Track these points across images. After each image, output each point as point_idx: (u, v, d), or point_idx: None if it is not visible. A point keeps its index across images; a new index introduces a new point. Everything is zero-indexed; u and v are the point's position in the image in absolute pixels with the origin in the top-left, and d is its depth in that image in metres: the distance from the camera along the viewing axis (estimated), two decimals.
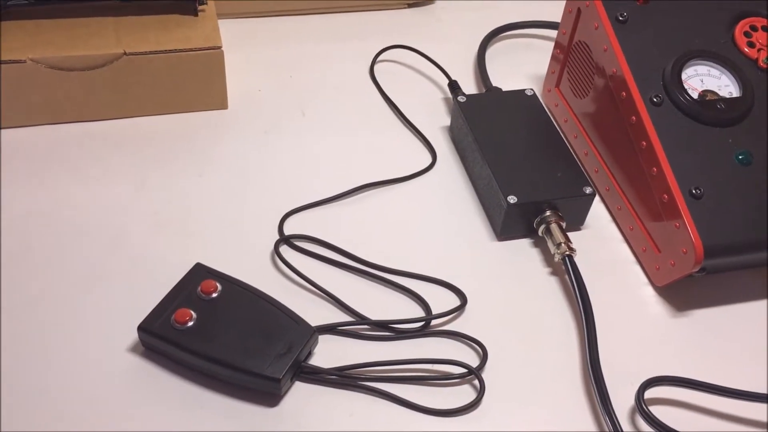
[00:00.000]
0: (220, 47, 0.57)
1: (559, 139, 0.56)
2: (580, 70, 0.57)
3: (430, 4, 0.74)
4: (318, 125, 0.60)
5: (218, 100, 0.60)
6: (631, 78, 0.51)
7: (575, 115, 0.59)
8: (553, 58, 0.61)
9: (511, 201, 0.50)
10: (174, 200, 0.53)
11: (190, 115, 0.60)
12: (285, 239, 0.51)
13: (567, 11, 0.58)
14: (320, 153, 0.58)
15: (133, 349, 0.44)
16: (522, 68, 0.68)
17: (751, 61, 0.54)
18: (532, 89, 0.59)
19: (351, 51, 0.68)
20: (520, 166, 0.53)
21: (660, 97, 0.51)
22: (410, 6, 0.74)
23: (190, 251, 0.50)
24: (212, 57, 0.58)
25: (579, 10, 0.57)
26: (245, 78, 0.64)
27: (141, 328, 0.43)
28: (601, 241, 0.54)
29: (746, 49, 0.54)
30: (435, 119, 0.62)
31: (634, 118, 0.51)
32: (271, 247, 0.51)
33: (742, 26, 0.55)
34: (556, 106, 0.62)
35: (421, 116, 0.62)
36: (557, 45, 0.60)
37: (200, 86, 0.59)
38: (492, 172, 0.52)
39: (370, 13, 0.72)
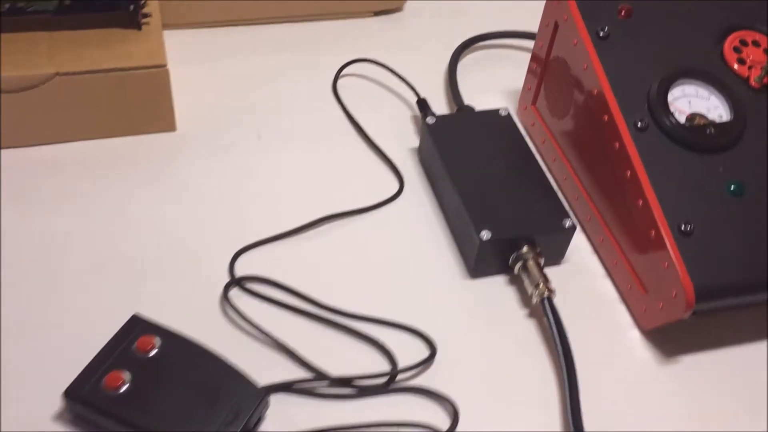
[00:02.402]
0: (165, 65, 0.52)
1: (536, 166, 0.51)
2: (559, 88, 0.53)
3: (397, 11, 0.70)
4: (275, 148, 0.55)
5: (165, 122, 0.55)
6: (613, 100, 0.47)
7: (553, 136, 0.55)
8: (530, 72, 0.57)
9: (485, 237, 0.46)
10: (114, 236, 0.48)
11: (135, 139, 0.55)
12: (236, 281, 0.46)
13: (544, 24, 0.54)
14: (277, 180, 0.53)
15: (59, 417, 0.39)
16: (496, 82, 0.63)
17: (742, 79, 0.50)
18: (506, 109, 0.55)
19: (312, 64, 0.63)
20: (494, 195, 0.49)
21: (645, 121, 0.46)
22: (377, 14, 0.69)
23: (130, 297, 0.45)
24: (157, 76, 0.52)
25: (556, 24, 0.52)
26: (196, 96, 0.58)
27: (67, 394, 0.38)
28: (582, 276, 0.49)
29: (736, 66, 0.50)
30: (403, 140, 0.57)
31: (617, 144, 0.46)
32: (221, 290, 0.46)
33: (731, 41, 0.51)
34: (533, 125, 0.58)
35: (388, 137, 0.57)
36: (534, 58, 0.56)
37: (144, 107, 0.54)
38: (463, 203, 0.48)
39: (333, 23, 0.68)
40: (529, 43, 0.67)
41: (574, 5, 0.50)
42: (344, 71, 0.62)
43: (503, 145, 0.52)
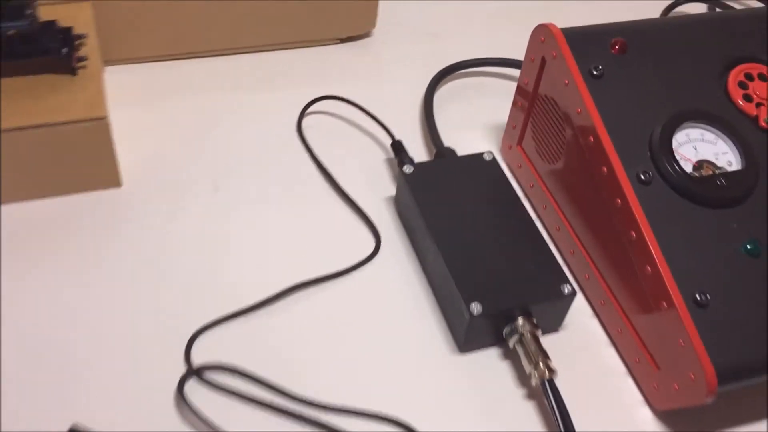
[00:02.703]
0: (105, 117, 0.46)
1: (528, 221, 0.46)
2: (548, 130, 0.48)
3: (366, 37, 0.64)
4: (234, 203, 0.49)
5: (108, 178, 0.49)
6: (612, 150, 0.42)
7: (543, 180, 0.50)
8: (515, 109, 0.52)
9: (476, 311, 0.40)
10: (45, 323, 0.42)
11: (75, 198, 0.48)
12: (194, 372, 0.40)
13: (529, 58, 0.49)
14: (238, 242, 0.47)
15: None
16: (476, 115, 0.58)
17: (750, 118, 0.45)
18: (491, 153, 0.49)
19: (273, 102, 0.57)
20: (482, 258, 0.43)
21: (649, 174, 0.42)
22: (343, 41, 0.63)
23: (66, 401, 0.39)
24: (96, 129, 0.46)
25: (543, 60, 0.47)
26: (143, 143, 0.52)
27: None
28: (584, 344, 0.44)
29: (742, 103, 0.46)
30: (378, 188, 0.52)
31: (618, 201, 0.41)
32: (175, 384, 0.40)
33: (735, 76, 0.47)
34: (519, 167, 0.52)
35: (361, 185, 0.52)
36: (519, 94, 0.51)
37: (84, 163, 0.47)
38: (449, 269, 0.42)
39: (297, 51, 0.62)
40: (511, 72, 0.62)
41: (563, 41, 0.45)
42: (310, 108, 0.56)
43: (490, 195, 0.47)
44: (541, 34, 0.47)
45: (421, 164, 0.48)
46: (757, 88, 0.46)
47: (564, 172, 0.47)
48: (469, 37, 0.65)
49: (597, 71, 0.44)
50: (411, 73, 0.61)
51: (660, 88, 0.45)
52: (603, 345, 0.44)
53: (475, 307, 0.41)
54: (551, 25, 0.46)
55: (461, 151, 0.53)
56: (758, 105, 0.46)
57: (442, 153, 0.51)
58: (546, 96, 0.48)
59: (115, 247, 0.46)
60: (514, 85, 0.61)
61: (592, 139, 0.43)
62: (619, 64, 0.45)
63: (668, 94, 0.45)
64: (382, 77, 0.60)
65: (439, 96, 0.59)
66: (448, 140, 0.54)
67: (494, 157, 0.49)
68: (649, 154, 0.43)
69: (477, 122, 0.58)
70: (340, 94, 0.57)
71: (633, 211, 0.40)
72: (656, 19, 0.49)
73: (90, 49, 0.49)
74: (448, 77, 0.60)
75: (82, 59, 0.48)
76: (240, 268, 0.46)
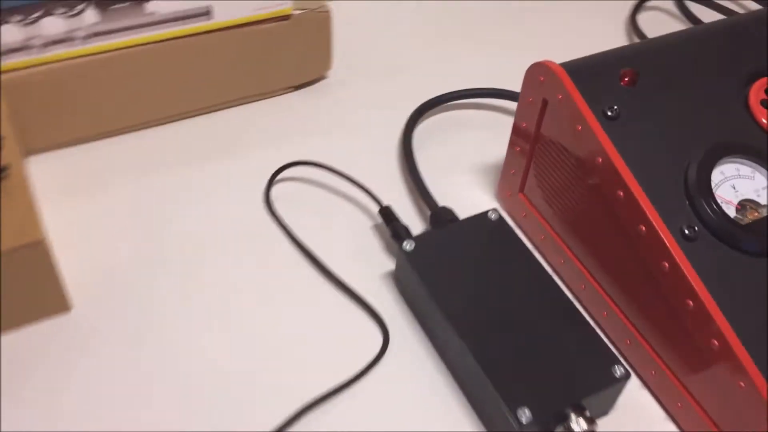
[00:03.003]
0: (42, 240, 0.38)
1: (555, 290, 0.40)
2: (559, 178, 0.42)
3: (322, 80, 0.57)
4: (204, 311, 0.42)
5: (55, 303, 0.41)
6: (649, 205, 0.37)
7: (556, 232, 0.44)
8: (512, 153, 0.46)
9: (525, 419, 0.35)
10: None
11: (17, 335, 0.40)
12: None
13: (525, 99, 0.43)
14: (219, 358, 0.40)
15: None
16: (461, 156, 0.52)
17: None
18: (496, 211, 0.43)
19: (233, 171, 0.49)
20: (516, 346, 0.37)
21: (694, 228, 0.36)
22: (298, 88, 0.56)
23: None
24: (33, 255, 0.38)
25: (545, 102, 0.41)
26: (89, 247, 0.44)
27: None
28: (638, 421, 0.39)
29: (764, 120, 0.41)
30: (370, 263, 0.45)
31: (666, 264, 0.36)
32: None
33: (756, 93, 0.42)
34: (524, 216, 0.47)
35: (350, 262, 0.45)
36: (517, 136, 0.45)
37: (23, 292, 0.39)
38: (483, 369, 0.36)
39: (247, 107, 0.54)
40: (491, 102, 0.56)
41: (570, 82, 0.39)
42: (277, 177, 0.49)
43: (505, 264, 0.41)
44: (540, 73, 0.41)
45: (421, 237, 0.42)
46: None
47: (583, 223, 0.41)
48: (435, 67, 0.59)
49: (612, 112, 0.39)
50: (379, 114, 0.55)
51: (681, 121, 0.40)
52: (660, 420, 0.39)
53: (524, 415, 0.35)
54: (551, 63, 0.40)
55: (454, 203, 0.47)
56: None
57: (438, 216, 0.45)
58: (552, 141, 0.42)
59: (74, 384, 0.38)
60: (496, 116, 0.55)
61: (621, 194, 0.37)
62: (633, 99, 0.40)
63: (691, 127, 0.40)
64: (347, 124, 0.54)
65: (415, 137, 0.53)
66: (435, 188, 0.47)
67: (500, 216, 0.43)
68: (687, 203, 0.37)
69: (463, 164, 0.52)
70: (304, 150, 0.51)
71: (686, 276, 0.35)
72: (659, 39, 0.43)
73: (9, 152, 0.41)
74: (422, 115, 0.54)
75: (3, 170, 0.40)
76: (228, 393, 0.39)
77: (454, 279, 0.40)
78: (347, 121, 0.54)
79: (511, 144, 0.45)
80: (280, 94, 0.55)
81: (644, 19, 0.65)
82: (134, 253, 0.44)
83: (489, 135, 0.54)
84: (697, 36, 0.44)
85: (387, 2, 0.65)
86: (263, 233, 0.46)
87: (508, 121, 0.55)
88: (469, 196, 0.50)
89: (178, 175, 0.49)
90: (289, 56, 0.52)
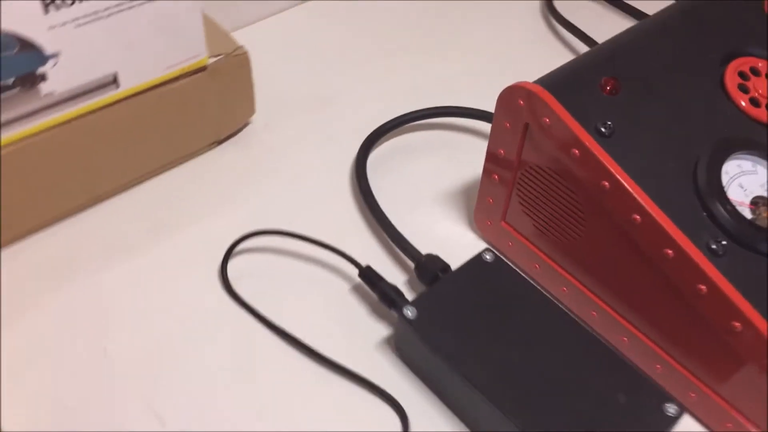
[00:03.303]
0: None
1: (575, 326, 0.37)
2: (553, 206, 0.39)
3: (246, 127, 0.50)
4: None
5: None
6: (674, 228, 0.33)
7: (552, 260, 0.41)
8: (489, 181, 0.42)
9: None
10: None
11: None
12: None
13: (502, 125, 0.39)
14: None
15: None
16: (420, 188, 0.48)
17: (764, 125, 0.39)
18: (490, 250, 0.39)
19: (175, 256, 0.42)
20: (558, 404, 0.33)
21: (721, 243, 0.34)
22: (222, 143, 0.49)
23: None
24: None
25: (527, 127, 0.38)
26: (24, 391, 0.37)
27: None
28: None
29: (743, 104, 0.39)
30: (360, 334, 0.40)
31: (703, 287, 0.33)
32: None
33: (732, 78, 0.40)
34: (511, 245, 0.43)
35: (339, 339, 0.39)
36: (493, 164, 0.41)
37: None
38: None
39: (171, 174, 0.47)
40: (437, 122, 0.52)
41: (557, 104, 0.36)
42: (230, 255, 0.43)
43: (518, 309, 0.37)
44: (517, 96, 0.37)
45: (420, 300, 0.37)
46: (757, 85, 0.40)
47: (589, 250, 0.38)
48: (364, 91, 0.54)
49: (606, 128, 0.36)
50: (317, 154, 0.49)
51: (671, 125, 0.37)
52: None
53: None
54: (530, 85, 0.36)
55: (428, 241, 0.43)
56: None
57: (426, 267, 0.40)
58: (540, 167, 0.38)
59: None
60: (446, 136, 0.51)
61: (638, 218, 0.34)
62: (620, 109, 0.37)
63: (683, 129, 0.37)
64: (286, 171, 0.48)
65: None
66: (402, 227, 0.43)
67: (495, 255, 0.39)
68: (705, 214, 0.35)
69: (424, 194, 0.47)
70: (246, 213, 0.45)
71: (729, 298, 0.32)
72: (621, 38, 0.41)
73: None
74: (372, 148, 0.49)
75: None
76: None
77: (469, 340, 0.36)
78: (285, 168, 0.48)
79: (487, 172, 0.41)
80: (204, 152, 0.48)
81: (561, 6, 0.63)
82: (82, 378, 0.37)
83: (442, 158, 0.50)
84: (657, 29, 0.41)
85: (293, 30, 0.59)
86: (230, 322, 0.40)
87: (460, 140, 0.51)
88: (442, 230, 0.45)
89: (110, 271, 0.42)
90: (210, 109, 0.46)
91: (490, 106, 0.51)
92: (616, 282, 0.38)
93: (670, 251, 0.34)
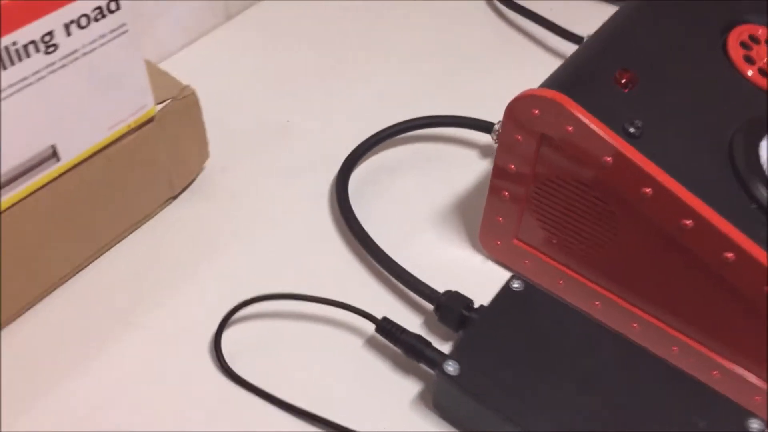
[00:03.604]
0: None
1: (630, 346, 0.33)
2: (579, 219, 0.35)
3: (200, 173, 0.44)
4: None
5: None
6: (732, 228, 0.30)
7: (580, 274, 0.37)
8: (497, 198, 0.37)
9: None
10: None
11: None
12: None
13: (512, 138, 0.35)
14: None
15: None
16: (408, 210, 0.43)
17: None
18: (518, 278, 0.35)
19: (159, 339, 0.36)
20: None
21: None
22: (177, 197, 0.43)
23: None
24: None
25: (542, 137, 0.34)
26: None
27: None
28: None
29: (750, 74, 0.36)
30: (390, 396, 0.35)
31: None
32: None
33: (735, 48, 0.37)
34: (528, 263, 0.39)
35: (367, 409, 0.34)
36: (500, 182, 0.36)
37: None
38: None
39: (126, 243, 0.40)
40: (415, 135, 0.47)
41: (581, 110, 0.32)
42: (222, 331, 0.37)
43: (565, 340, 0.33)
44: (532, 106, 0.33)
45: (459, 352, 0.33)
46: (761, 54, 0.37)
47: (628, 260, 0.35)
48: (322, 113, 0.49)
49: (634, 128, 0.32)
50: (286, 191, 0.44)
51: (695, 111, 0.34)
52: None
53: None
54: (548, 92, 0.32)
55: (432, 271, 0.39)
56: None
57: (449, 308, 0.35)
58: (561, 179, 0.34)
59: None
60: (426, 149, 0.47)
61: (690, 223, 0.31)
62: (642, 104, 0.33)
63: (706, 114, 0.34)
64: (257, 217, 0.42)
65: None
66: (399, 257, 0.38)
67: (525, 282, 0.35)
68: (755, 207, 0.32)
69: (415, 216, 0.43)
70: (219, 271, 0.39)
71: None
72: (617, 20, 0.37)
73: None
74: (350, 174, 0.44)
75: None
76: None
77: (522, 387, 0.32)
78: (254, 215, 0.42)
79: (495, 189, 0.37)
80: (159, 211, 0.42)
81: None
82: None
83: (426, 174, 0.45)
84: (648, 10, 0.38)
85: (224, 53, 0.53)
86: (233, 408, 0.34)
87: (441, 152, 0.46)
88: (444, 255, 0.41)
89: (78, 373, 0.35)
90: (162, 162, 0.40)
91: (463, 112, 0.48)
92: (659, 289, 0.35)
93: (730, 254, 0.30)
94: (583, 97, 0.32)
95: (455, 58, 0.53)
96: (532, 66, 0.52)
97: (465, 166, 0.46)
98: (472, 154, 0.47)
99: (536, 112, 0.33)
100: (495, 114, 0.45)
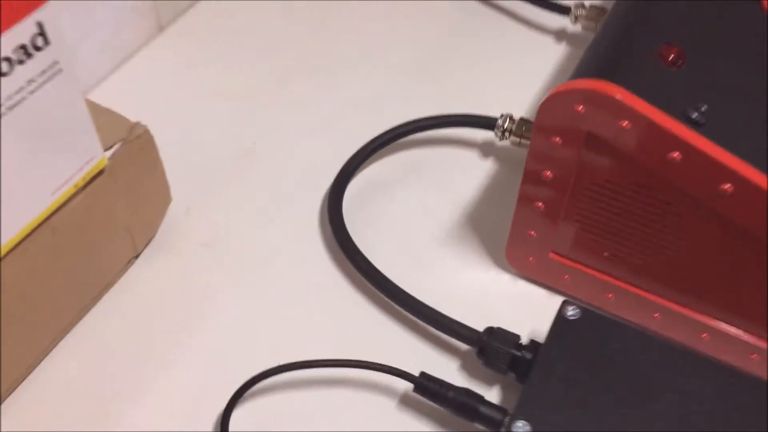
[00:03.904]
0: None
1: (714, 367, 0.28)
2: (634, 225, 0.30)
3: (160, 223, 0.37)
4: None
5: None
6: None
7: (633, 284, 0.32)
8: (527, 211, 0.32)
9: None
10: None
11: None
12: None
13: (548, 141, 0.29)
14: None
15: None
16: (419, 234, 0.37)
17: None
18: (572, 305, 0.30)
19: (154, 426, 0.30)
20: None
21: None
22: (139, 255, 0.36)
23: None
24: None
25: (590, 135, 0.28)
26: None
27: None
28: None
29: None
30: None
31: None
32: None
33: None
34: (567, 278, 0.34)
35: None
36: (532, 192, 0.31)
37: None
38: None
39: (93, 317, 0.33)
40: (406, 142, 0.41)
41: (638, 101, 0.26)
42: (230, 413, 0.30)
43: (647, 372, 0.28)
44: (575, 101, 0.27)
45: (525, 407, 0.27)
46: None
47: (692, 265, 0.30)
48: (288, 129, 0.42)
49: (699, 114, 0.27)
50: (269, 229, 0.37)
51: (751, 83, 0.29)
52: None
53: None
54: (593, 83, 0.27)
55: (454, 299, 0.33)
56: None
57: (492, 349, 0.30)
58: (613, 183, 0.29)
59: None
60: (419, 157, 0.41)
61: None
62: (698, 83, 0.28)
63: (763, 85, 0.29)
64: (237, 269, 0.36)
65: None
66: (410, 286, 0.33)
67: (579, 308, 0.30)
68: None
69: (423, 237, 0.37)
70: (208, 338, 0.33)
71: None
72: None
73: None
74: (340, 201, 0.38)
75: None
76: None
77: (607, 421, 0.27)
78: (236, 266, 0.36)
79: (526, 200, 0.32)
80: (122, 274, 0.35)
81: None
82: None
83: (424, 185, 0.39)
84: None
85: (160, 75, 0.45)
86: None
87: (437, 158, 0.41)
88: (465, 281, 0.35)
89: None
90: (120, 219, 0.32)
91: (452, 109, 0.42)
92: (736, 296, 0.30)
93: None
94: (632, 83, 0.27)
95: (428, 50, 0.47)
96: (519, 48, 0.47)
97: (465, 171, 0.40)
98: (470, 156, 0.41)
99: (580, 108, 0.27)
100: (490, 107, 0.40)
